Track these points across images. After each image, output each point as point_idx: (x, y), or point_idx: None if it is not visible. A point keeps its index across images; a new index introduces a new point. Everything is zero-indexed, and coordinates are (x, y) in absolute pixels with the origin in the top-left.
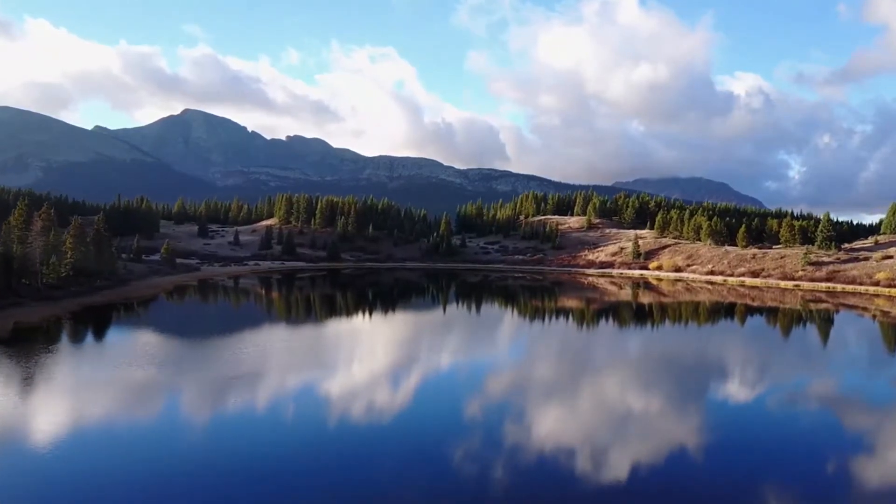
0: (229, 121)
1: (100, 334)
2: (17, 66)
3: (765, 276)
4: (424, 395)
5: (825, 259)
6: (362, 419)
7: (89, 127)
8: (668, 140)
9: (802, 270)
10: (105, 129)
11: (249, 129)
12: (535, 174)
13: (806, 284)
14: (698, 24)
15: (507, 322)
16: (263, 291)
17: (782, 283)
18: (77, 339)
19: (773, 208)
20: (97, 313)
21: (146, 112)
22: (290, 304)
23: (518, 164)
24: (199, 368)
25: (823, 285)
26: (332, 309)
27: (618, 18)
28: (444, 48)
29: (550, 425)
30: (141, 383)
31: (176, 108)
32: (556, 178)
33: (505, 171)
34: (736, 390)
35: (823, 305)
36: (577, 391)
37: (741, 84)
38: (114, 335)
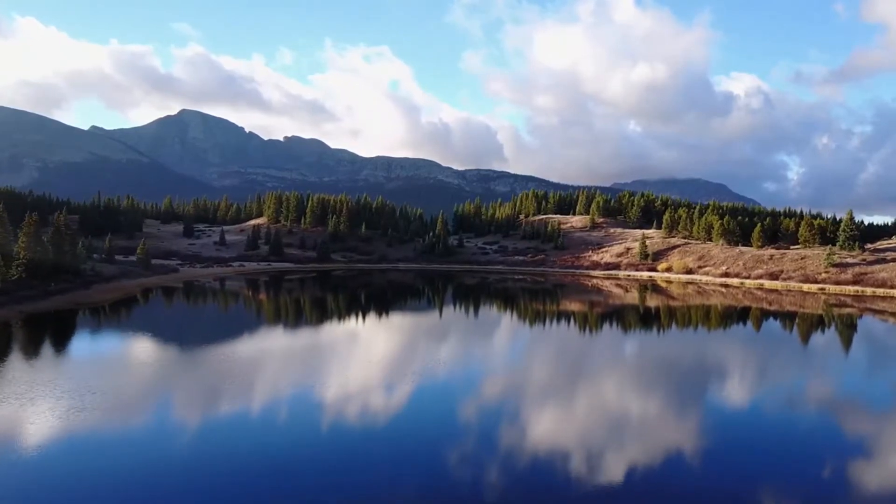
0: (226, 121)
1: (17, 351)
2: (9, 64)
3: (784, 279)
4: (420, 400)
5: (849, 260)
6: (356, 423)
7: (85, 127)
8: (667, 141)
9: (826, 272)
10: (101, 129)
11: (247, 130)
12: (533, 175)
13: (832, 288)
14: (695, 23)
15: (505, 326)
16: (248, 294)
17: (805, 287)
18: None
19: (771, 209)
20: (36, 323)
21: (141, 112)
22: (277, 309)
23: (516, 165)
24: (125, 403)
25: (851, 289)
26: (323, 314)
27: (614, 17)
28: (440, 47)
29: (549, 430)
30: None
31: (171, 108)
32: (554, 179)
33: (503, 171)
34: (741, 398)
35: (847, 310)
36: (576, 396)
37: (739, 84)
38: (36, 351)
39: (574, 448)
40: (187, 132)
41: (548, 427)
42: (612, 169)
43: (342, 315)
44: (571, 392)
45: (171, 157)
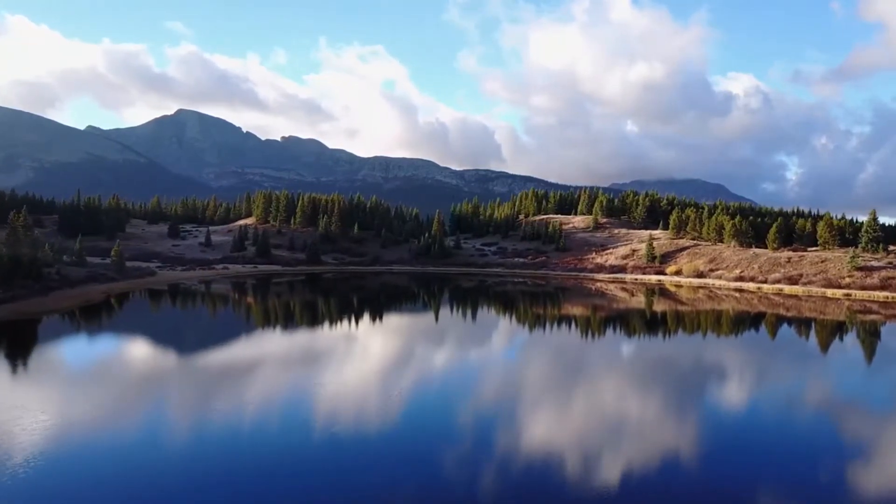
0: (223, 121)
1: None
2: (2, 63)
3: (805, 283)
4: (419, 402)
5: (874, 263)
6: (355, 425)
7: (82, 127)
8: (665, 141)
9: (849, 276)
10: (98, 129)
11: (244, 130)
12: (531, 175)
13: (858, 293)
14: (692, 22)
15: (505, 330)
16: (232, 298)
17: (828, 292)
18: None
19: (779, 209)
20: None
21: (137, 111)
22: (266, 313)
23: (514, 166)
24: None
25: (879, 294)
26: (314, 319)
27: (610, 16)
28: (435, 47)
29: (549, 434)
30: None
31: (167, 108)
32: (552, 180)
33: (501, 171)
34: (746, 404)
35: (871, 317)
36: (578, 400)
37: (737, 84)
38: None
39: (575, 451)
40: (184, 132)
41: (548, 430)
42: (610, 169)
43: (334, 320)
44: (573, 396)
45: (169, 157)
